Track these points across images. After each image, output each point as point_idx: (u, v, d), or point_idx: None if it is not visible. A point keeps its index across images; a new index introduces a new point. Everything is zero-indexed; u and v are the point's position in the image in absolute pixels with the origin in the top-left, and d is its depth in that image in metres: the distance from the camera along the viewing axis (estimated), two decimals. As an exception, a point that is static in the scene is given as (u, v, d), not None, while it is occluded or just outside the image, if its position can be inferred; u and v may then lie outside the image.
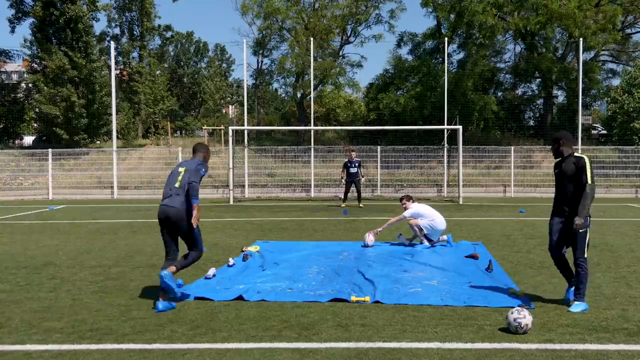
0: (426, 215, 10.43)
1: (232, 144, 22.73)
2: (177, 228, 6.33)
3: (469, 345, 4.94)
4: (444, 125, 25.04)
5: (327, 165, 26.08)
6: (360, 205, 18.88)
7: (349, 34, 35.41)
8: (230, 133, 22.73)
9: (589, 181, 5.99)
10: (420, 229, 10.37)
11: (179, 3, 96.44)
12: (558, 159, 6.39)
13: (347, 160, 19.19)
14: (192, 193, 6.18)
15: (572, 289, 6.27)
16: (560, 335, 5.22)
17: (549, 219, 6.37)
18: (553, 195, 6.41)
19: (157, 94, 37.71)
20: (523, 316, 5.21)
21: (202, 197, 23.99)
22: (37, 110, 31.90)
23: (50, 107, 29.49)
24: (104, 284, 7.46)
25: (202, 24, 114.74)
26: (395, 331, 5.34)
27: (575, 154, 6.23)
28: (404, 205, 10.73)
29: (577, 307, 6.05)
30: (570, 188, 6.12)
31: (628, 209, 18.10)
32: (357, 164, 18.88)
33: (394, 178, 25.98)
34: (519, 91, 37.77)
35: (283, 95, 53.71)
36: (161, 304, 6.08)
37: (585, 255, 6.09)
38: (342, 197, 19.56)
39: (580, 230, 6.00)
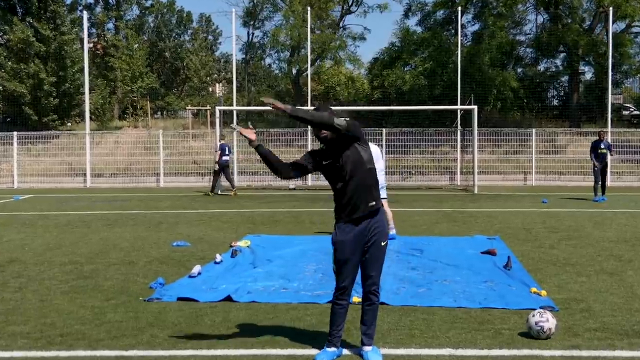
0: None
1: (220, 126, 22.66)
2: None
3: (484, 352, 4.93)
4: (457, 105, 24.99)
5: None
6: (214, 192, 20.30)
7: (350, 3, 35.33)
8: (217, 114, 22.66)
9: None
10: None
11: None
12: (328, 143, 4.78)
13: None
14: None
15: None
16: (588, 340, 5.21)
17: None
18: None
19: (136, 70, 37.52)
20: (546, 319, 5.19)
21: (186, 186, 24.11)
22: (0, 88, 31.83)
23: (15, 84, 29.37)
24: (75, 283, 7.44)
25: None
26: (402, 336, 5.34)
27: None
28: None
29: (375, 354, 4.79)
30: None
31: (662, 199, 18.11)
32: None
33: (400, 164, 25.96)
34: (541, 67, 37.62)
35: (277, 71, 53.51)
36: None
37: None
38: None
39: (382, 243, 4.76)
